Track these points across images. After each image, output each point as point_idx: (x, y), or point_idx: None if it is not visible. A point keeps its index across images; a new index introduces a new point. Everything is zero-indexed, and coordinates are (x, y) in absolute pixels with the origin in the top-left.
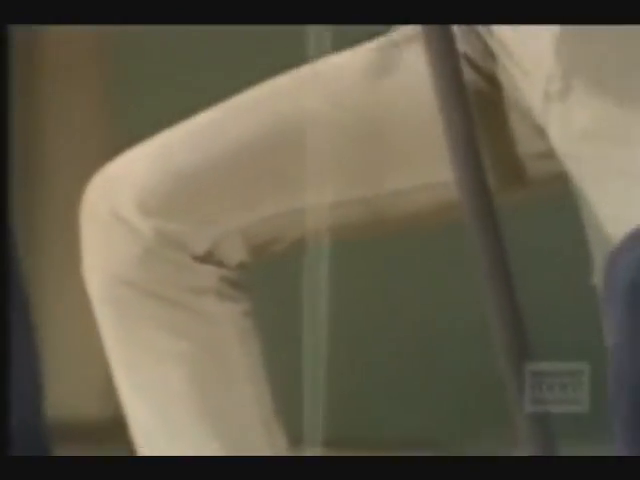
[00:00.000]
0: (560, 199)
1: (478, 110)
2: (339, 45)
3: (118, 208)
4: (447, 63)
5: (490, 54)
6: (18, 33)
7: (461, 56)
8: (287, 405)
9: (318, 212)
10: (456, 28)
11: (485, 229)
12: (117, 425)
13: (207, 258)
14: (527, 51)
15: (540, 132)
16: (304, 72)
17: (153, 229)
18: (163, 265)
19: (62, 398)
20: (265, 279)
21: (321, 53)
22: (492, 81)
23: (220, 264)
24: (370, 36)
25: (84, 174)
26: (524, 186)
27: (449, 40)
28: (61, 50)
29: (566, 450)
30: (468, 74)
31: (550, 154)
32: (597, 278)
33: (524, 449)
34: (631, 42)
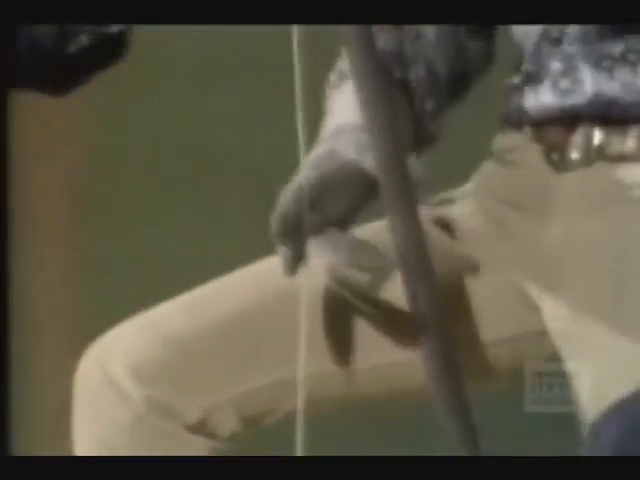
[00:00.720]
0: None
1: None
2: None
3: (111, 374)
4: (409, 229)
5: (484, 222)
6: None
7: (449, 222)
8: None
9: (306, 384)
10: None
11: (456, 416)
12: None
13: (199, 428)
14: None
15: (535, 310)
16: None
17: (145, 397)
18: (153, 435)
19: None
20: None
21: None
22: (485, 254)
23: (212, 435)
24: None
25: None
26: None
27: (411, 205)
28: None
29: (565, 450)
30: (455, 246)
31: (543, 332)
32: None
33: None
34: (622, 226)
